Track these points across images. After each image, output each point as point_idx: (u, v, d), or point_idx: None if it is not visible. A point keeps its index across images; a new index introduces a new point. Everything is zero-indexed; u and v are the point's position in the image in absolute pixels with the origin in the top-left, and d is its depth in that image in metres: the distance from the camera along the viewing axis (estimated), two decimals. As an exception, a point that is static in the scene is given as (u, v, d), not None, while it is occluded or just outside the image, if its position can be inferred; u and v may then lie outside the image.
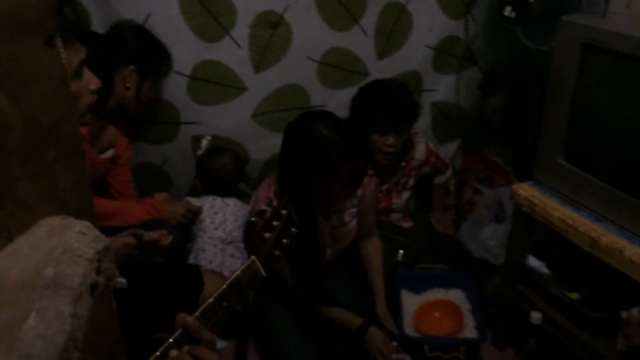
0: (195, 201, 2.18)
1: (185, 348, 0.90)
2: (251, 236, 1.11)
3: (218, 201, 2.18)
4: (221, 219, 2.14)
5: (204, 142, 2.23)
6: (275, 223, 1.11)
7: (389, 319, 1.87)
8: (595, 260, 1.62)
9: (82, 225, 0.63)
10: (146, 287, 1.57)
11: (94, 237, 0.63)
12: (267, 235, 1.10)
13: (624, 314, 1.56)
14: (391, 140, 2.05)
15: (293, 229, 1.13)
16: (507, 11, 2.10)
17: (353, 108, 2.12)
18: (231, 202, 2.20)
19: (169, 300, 1.62)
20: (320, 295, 1.88)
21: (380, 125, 2.04)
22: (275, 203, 1.21)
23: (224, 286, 0.99)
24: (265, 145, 2.30)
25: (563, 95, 1.74)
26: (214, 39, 2.10)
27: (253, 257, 1.05)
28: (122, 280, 1.31)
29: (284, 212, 1.12)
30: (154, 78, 2.02)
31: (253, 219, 1.14)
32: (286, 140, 1.71)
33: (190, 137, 2.24)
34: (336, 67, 2.27)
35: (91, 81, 1.32)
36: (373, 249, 2.00)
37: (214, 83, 2.16)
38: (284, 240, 1.12)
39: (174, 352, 0.89)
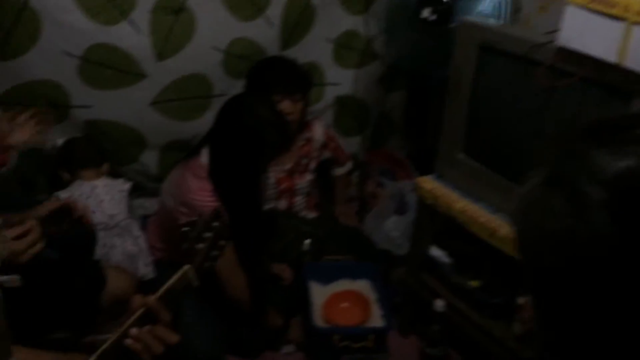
0: (63, 195, 2.01)
1: (146, 327, 0.95)
2: (183, 245, 1.08)
3: (85, 185, 2.05)
4: (95, 202, 2.01)
5: None
6: (206, 234, 1.08)
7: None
8: (493, 249, 1.71)
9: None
10: (41, 285, 1.46)
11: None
12: (199, 246, 1.07)
13: (520, 300, 1.66)
14: (287, 103, 2.05)
15: (222, 242, 1.11)
16: (426, 13, 2.01)
17: (250, 79, 2.15)
18: (99, 182, 2.08)
19: (66, 299, 1.53)
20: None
21: (280, 87, 2.05)
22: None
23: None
24: (165, 131, 2.27)
25: (462, 93, 1.81)
26: (109, 22, 1.99)
27: (188, 266, 1.03)
28: (14, 277, 1.23)
29: (215, 224, 1.09)
30: None
31: (185, 229, 1.12)
32: (222, 125, 1.80)
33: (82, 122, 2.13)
34: (241, 57, 2.23)
35: None
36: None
37: (110, 68, 2.05)
38: (214, 252, 1.09)
39: (134, 331, 0.94)
